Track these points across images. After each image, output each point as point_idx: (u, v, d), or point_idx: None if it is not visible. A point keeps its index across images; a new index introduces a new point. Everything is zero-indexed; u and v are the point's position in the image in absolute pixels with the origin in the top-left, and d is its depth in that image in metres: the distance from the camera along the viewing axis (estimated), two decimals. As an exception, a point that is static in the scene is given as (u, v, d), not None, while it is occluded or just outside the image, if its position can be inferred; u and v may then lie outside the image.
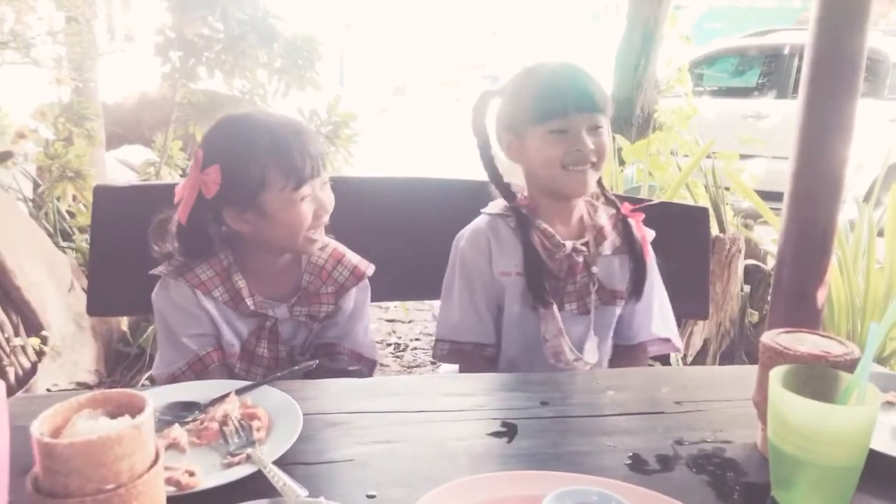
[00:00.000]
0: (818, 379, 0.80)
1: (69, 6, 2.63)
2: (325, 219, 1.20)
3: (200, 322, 1.19)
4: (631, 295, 1.35)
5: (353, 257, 1.28)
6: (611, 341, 1.39)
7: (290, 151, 1.13)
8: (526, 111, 1.27)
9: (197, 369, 1.18)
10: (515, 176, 1.36)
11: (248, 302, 1.19)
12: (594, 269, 1.32)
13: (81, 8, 2.70)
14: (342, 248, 1.29)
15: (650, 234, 1.39)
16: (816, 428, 0.73)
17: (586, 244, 1.32)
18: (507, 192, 1.35)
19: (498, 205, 1.36)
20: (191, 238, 1.18)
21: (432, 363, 2.94)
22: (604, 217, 1.36)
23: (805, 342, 0.86)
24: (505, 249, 1.31)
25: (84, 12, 2.73)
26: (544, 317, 1.29)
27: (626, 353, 1.41)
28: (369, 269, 1.29)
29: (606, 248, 1.33)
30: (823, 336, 0.89)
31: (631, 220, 1.36)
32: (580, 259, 1.31)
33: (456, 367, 1.40)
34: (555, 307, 1.29)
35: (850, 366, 0.81)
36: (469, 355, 1.35)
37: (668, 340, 1.40)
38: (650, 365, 2.24)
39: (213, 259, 1.20)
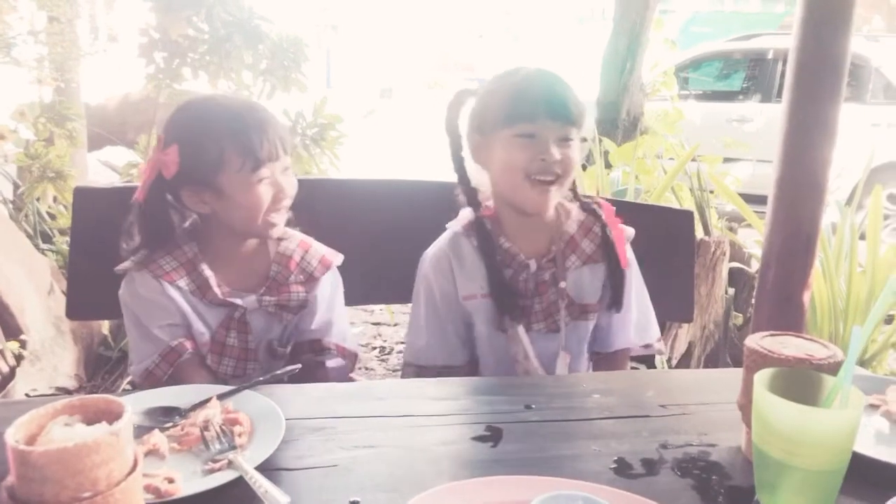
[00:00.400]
0: (802, 382, 0.80)
1: (51, 6, 2.60)
2: (286, 203, 1.20)
3: (168, 312, 1.18)
4: (609, 306, 1.32)
5: (320, 248, 1.29)
6: (587, 353, 1.36)
7: (247, 132, 1.14)
8: (496, 112, 1.23)
9: (171, 359, 1.17)
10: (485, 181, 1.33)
11: (216, 290, 1.19)
12: (562, 285, 1.28)
13: (63, 8, 2.67)
14: (309, 239, 1.29)
15: (629, 232, 1.34)
16: (800, 431, 0.73)
17: (553, 259, 1.29)
18: (473, 198, 1.31)
19: (463, 218, 1.32)
20: (150, 220, 1.18)
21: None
22: (574, 224, 1.31)
23: (789, 345, 0.87)
24: (468, 271, 1.28)
25: (66, 12, 2.70)
26: (512, 338, 1.28)
27: (605, 359, 1.39)
28: (337, 258, 1.29)
29: (575, 260, 1.30)
30: (807, 339, 0.89)
31: (608, 226, 1.32)
32: (546, 276, 1.28)
33: None
34: (521, 329, 1.27)
35: (834, 369, 0.81)
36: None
37: (648, 346, 1.37)
38: (635, 368, 2.25)
39: (176, 251, 1.20)
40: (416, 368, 1.32)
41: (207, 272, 1.20)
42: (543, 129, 1.20)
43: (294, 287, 1.24)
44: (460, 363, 1.32)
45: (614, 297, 1.31)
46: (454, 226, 1.32)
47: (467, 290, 1.28)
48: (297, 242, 1.27)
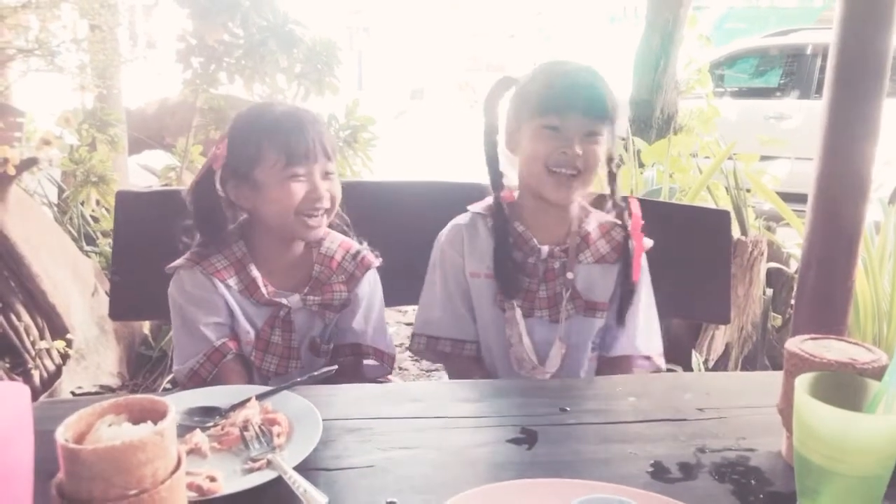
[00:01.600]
0: (845, 387, 0.79)
1: (93, 14, 2.67)
2: (321, 205, 1.22)
3: (217, 309, 1.22)
4: (619, 309, 1.31)
5: (361, 249, 1.33)
6: (591, 353, 1.35)
7: (284, 130, 1.20)
8: (530, 101, 1.25)
9: (215, 360, 1.21)
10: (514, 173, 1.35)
11: (263, 290, 1.23)
12: (569, 276, 1.29)
13: (105, 16, 2.74)
14: (350, 240, 1.33)
15: (647, 244, 1.33)
16: (843, 437, 0.72)
17: (566, 250, 1.30)
18: (497, 181, 1.33)
19: (484, 202, 1.35)
20: (201, 203, 1.25)
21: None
22: (593, 223, 1.33)
23: (831, 349, 0.85)
24: (477, 250, 1.31)
25: (107, 20, 2.77)
26: (509, 320, 1.29)
27: (608, 363, 1.36)
28: (376, 260, 1.33)
29: (588, 256, 1.31)
30: (850, 342, 0.87)
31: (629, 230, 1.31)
32: (556, 265, 1.29)
33: None
34: (518, 311, 1.28)
35: (878, 373, 0.79)
36: (449, 355, 1.35)
37: (649, 358, 1.34)
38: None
39: (226, 250, 1.25)
40: (426, 339, 1.34)
41: (255, 272, 1.24)
42: (570, 123, 1.21)
43: (336, 286, 1.28)
44: (471, 338, 1.34)
45: (619, 308, 1.31)
46: (475, 207, 1.36)
47: (474, 266, 1.31)
48: (338, 243, 1.31)
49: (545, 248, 1.29)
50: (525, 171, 1.29)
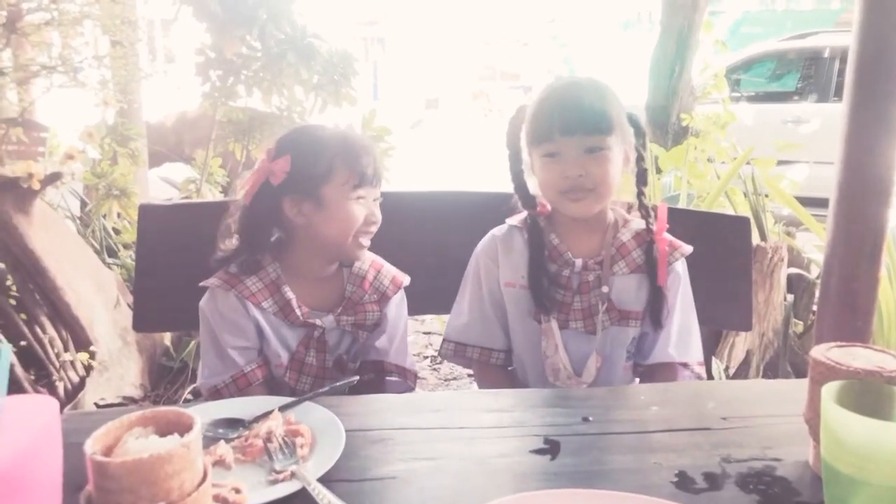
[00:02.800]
0: (872, 395, 0.78)
1: (114, 31, 2.72)
2: (374, 229, 1.26)
3: (246, 334, 1.23)
4: (651, 318, 1.31)
5: (390, 268, 1.34)
6: (627, 362, 1.34)
7: (357, 151, 1.23)
8: (528, 131, 1.27)
9: (241, 385, 1.21)
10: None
11: (298, 312, 1.24)
12: (604, 289, 1.29)
13: (126, 32, 2.78)
14: (380, 260, 1.34)
15: (685, 250, 1.32)
16: (873, 446, 0.71)
17: (601, 262, 1.29)
18: (529, 201, 1.34)
19: (521, 215, 1.36)
20: (254, 222, 1.24)
21: (469, 375, 2.93)
22: (629, 233, 1.32)
23: (857, 357, 0.84)
24: (513, 260, 1.32)
25: (128, 36, 2.82)
26: (545, 332, 1.29)
27: (647, 373, 1.35)
28: (406, 279, 1.34)
29: (623, 267, 1.30)
30: (876, 350, 0.86)
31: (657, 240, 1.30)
32: (591, 277, 1.29)
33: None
34: (554, 323, 1.28)
35: (906, 381, 0.78)
36: (477, 363, 1.36)
37: (686, 365, 1.32)
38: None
39: (261, 272, 1.25)
40: (454, 346, 1.36)
41: (290, 294, 1.24)
42: (564, 147, 1.22)
43: (369, 306, 1.29)
44: (499, 347, 1.35)
45: (653, 312, 1.30)
46: (512, 220, 1.37)
47: (509, 277, 1.32)
48: (369, 263, 1.32)
49: (579, 262, 1.29)
50: (544, 196, 1.31)
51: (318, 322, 1.25)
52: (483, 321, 1.34)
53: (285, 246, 1.27)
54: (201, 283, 1.24)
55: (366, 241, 1.26)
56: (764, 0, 13.84)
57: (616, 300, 1.30)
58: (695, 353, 1.34)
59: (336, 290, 1.29)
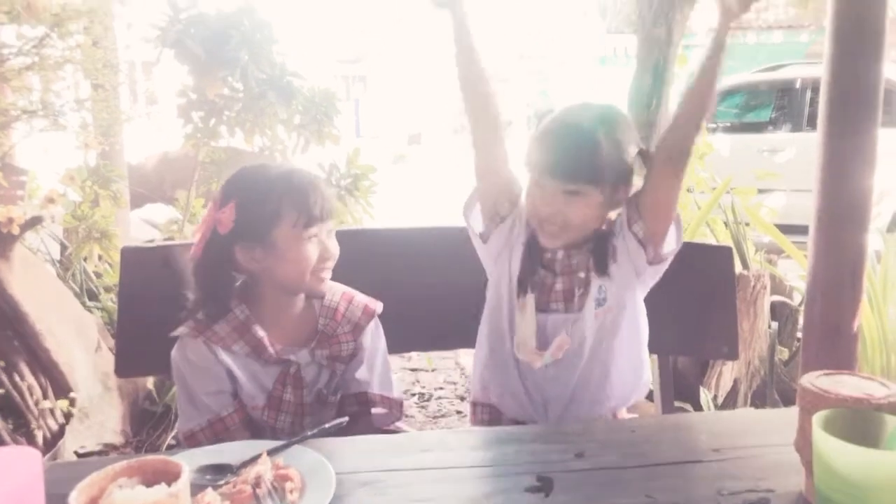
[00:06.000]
0: (862, 422, 0.78)
1: (96, 74, 2.73)
2: (330, 264, 1.25)
3: (218, 380, 1.21)
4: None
5: (361, 298, 1.33)
6: (598, 308, 1.33)
7: (304, 190, 1.20)
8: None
9: (217, 429, 1.20)
10: None
11: (271, 350, 1.22)
12: (581, 275, 1.33)
13: (107, 75, 2.79)
14: (351, 290, 1.34)
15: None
16: (865, 475, 0.71)
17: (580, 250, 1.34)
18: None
19: None
20: (208, 275, 1.22)
21: (458, 413, 2.90)
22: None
23: (845, 384, 0.84)
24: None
25: (110, 79, 2.82)
26: (521, 306, 1.33)
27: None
28: (378, 306, 1.33)
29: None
30: (863, 377, 0.87)
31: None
32: (574, 261, 1.33)
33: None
34: (531, 297, 1.32)
35: (895, 408, 0.79)
36: None
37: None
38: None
39: (228, 315, 1.23)
40: None
41: (260, 332, 1.23)
42: (549, 184, 1.27)
43: (343, 337, 1.28)
44: None
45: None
46: None
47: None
48: (339, 294, 1.31)
49: (560, 252, 1.34)
50: (526, 210, 1.34)
51: (292, 358, 1.24)
52: None
53: (250, 288, 1.26)
54: (171, 334, 1.23)
55: (325, 276, 1.25)
56: (735, 34, 14.21)
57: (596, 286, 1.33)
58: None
59: (309, 325, 1.28)
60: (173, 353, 1.24)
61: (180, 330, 1.23)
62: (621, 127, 1.30)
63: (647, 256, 1.32)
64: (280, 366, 1.24)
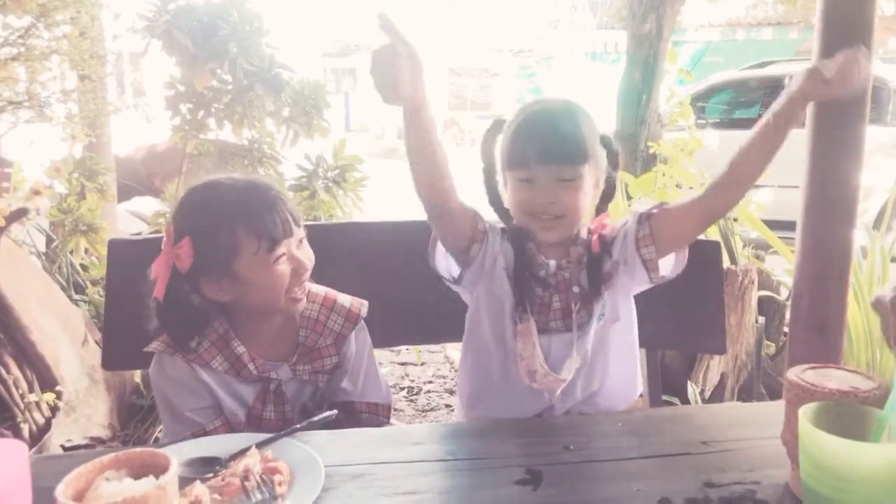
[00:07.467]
0: (848, 416, 0.79)
1: (82, 65, 2.70)
2: (306, 276, 1.18)
3: (201, 395, 1.17)
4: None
5: (345, 300, 1.26)
6: (598, 323, 1.31)
7: (259, 213, 1.11)
8: (504, 152, 1.28)
9: None
10: None
11: (251, 367, 1.18)
12: (575, 290, 1.29)
13: (94, 67, 2.76)
14: (332, 292, 1.27)
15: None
16: (851, 467, 0.72)
17: (571, 262, 1.30)
18: (504, 214, 1.34)
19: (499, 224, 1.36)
20: (173, 315, 1.14)
21: (447, 406, 2.91)
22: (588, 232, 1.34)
23: (832, 378, 0.85)
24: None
25: (97, 71, 2.80)
26: (521, 333, 1.27)
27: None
28: (363, 308, 1.27)
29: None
30: (849, 371, 0.88)
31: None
32: (567, 275, 1.29)
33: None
34: (532, 323, 1.27)
35: (880, 401, 0.80)
36: None
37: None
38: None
39: (207, 329, 1.18)
40: None
41: (240, 348, 1.18)
42: (539, 174, 1.23)
43: (325, 350, 1.23)
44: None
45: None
46: (494, 223, 1.35)
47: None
48: (320, 301, 1.24)
49: (552, 263, 1.29)
50: (513, 215, 1.31)
51: (273, 374, 1.19)
52: None
53: (226, 308, 1.19)
54: (145, 349, 1.17)
55: (300, 293, 1.17)
56: (725, 31, 14.26)
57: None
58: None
59: (289, 338, 1.22)
60: (151, 370, 1.19)
61: (154, 345, 1.17)
62: (587, 113, 1.29)
63: (650, 277, 1.29)
64: (260, 382, 1.20)
